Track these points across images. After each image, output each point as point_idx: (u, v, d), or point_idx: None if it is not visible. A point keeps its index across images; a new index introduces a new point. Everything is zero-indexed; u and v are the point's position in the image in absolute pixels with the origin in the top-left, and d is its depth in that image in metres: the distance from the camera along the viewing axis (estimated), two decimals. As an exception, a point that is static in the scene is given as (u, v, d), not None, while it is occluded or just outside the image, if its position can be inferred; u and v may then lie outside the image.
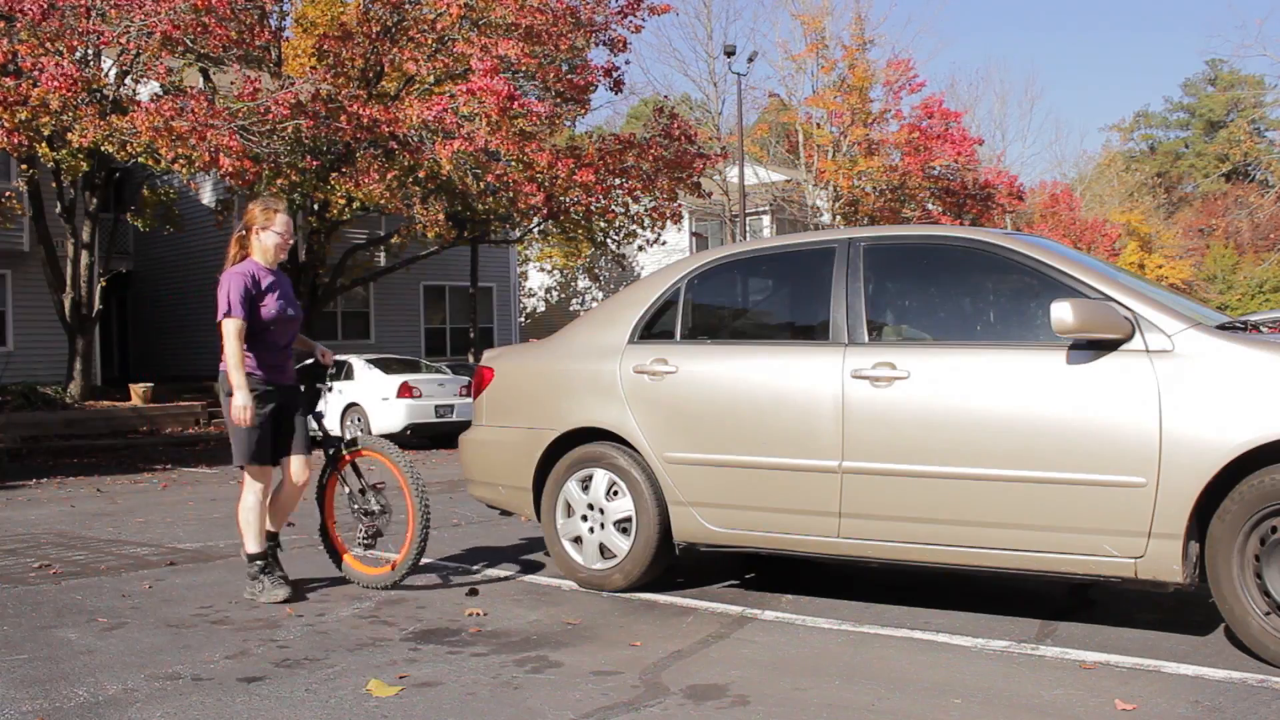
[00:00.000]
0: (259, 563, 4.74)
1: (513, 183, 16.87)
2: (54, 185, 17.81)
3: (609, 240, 22.12)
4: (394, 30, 17.45)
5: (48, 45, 13.66)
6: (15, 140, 13.35)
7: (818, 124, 29.86)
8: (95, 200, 18.38)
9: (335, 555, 5.10)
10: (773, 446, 4.27)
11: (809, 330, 4.57)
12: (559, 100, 18.44)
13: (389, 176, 16.23)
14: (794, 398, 4.25)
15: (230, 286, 4.57)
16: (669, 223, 20.03)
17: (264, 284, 4.67)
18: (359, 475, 4.98)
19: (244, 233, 4.78)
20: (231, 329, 4.52)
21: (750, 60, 26.19)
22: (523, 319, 32.17)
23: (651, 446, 4.58)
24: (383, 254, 22.82)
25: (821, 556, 4.32)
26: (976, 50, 78.90)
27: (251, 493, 4.71)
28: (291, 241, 4.92)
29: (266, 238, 4.74)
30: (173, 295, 24.38)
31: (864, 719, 3.05)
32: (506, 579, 5.14)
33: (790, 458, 4.22)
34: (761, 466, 4.31)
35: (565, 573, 4.92)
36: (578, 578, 4.84)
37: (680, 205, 21.70)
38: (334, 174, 16.66)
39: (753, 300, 5.16)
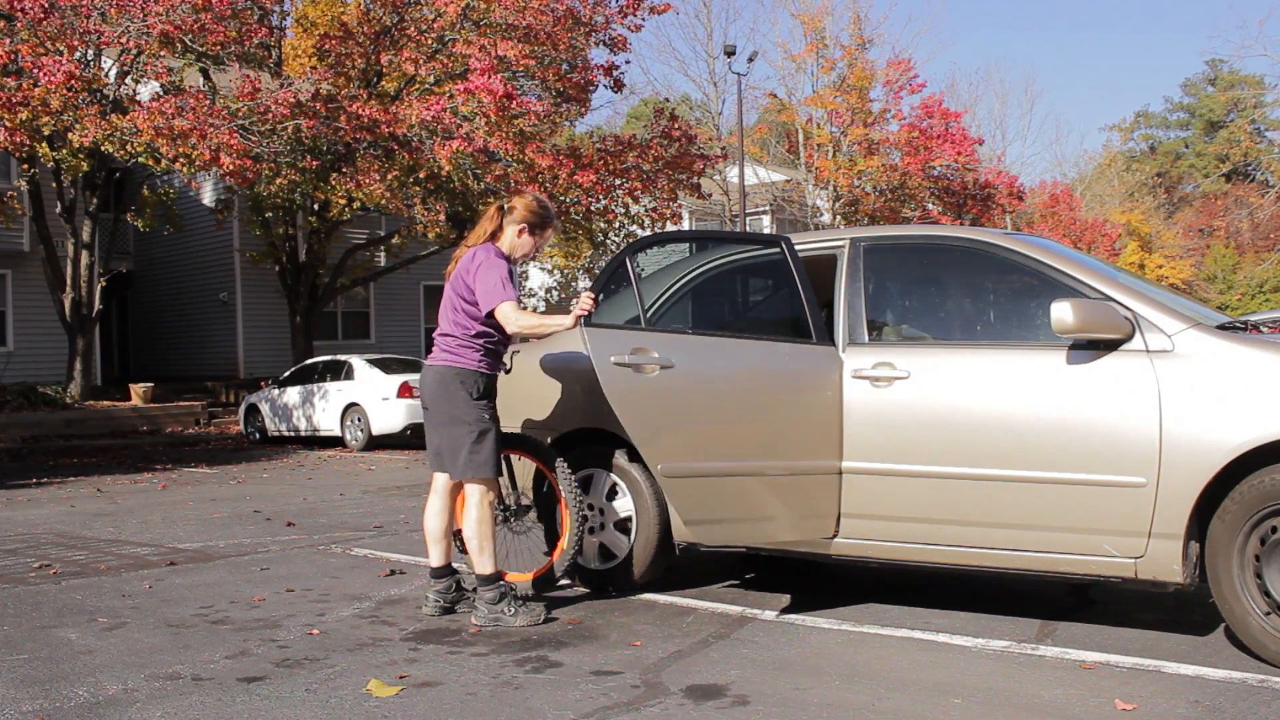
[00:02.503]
0: (501, 585, 4.25)
1: (514, 183, 16.87)
2: (54, 185, 17.83)
3: (609, 240, 22.11)
4: (394, 30, 17.46)
5: (48, 45, 13.67)
6: (16, 140, 13.36)
7: (818, 124, 29.87)
8: (95, 200, 18.39)
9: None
10: (771, 447, 4.26)
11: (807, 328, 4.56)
12: (559, 100, 18.44)
13: (389, 176, 16.23)
14: (794, 397, 4.24)
15: (499, 269, 4.20)
16: (669, 223, 20.05)
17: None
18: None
19: (503, 214, 4.38)
20: (510, 307, 4.18)
21: (750, 60, 26.20)
22: (523, 319, 32.10)
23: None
24: (383, 254, 22.82)
25: (822, 557, 4.31)
26: (976, 50, 78.96)
27: (487, 504, 4.26)
28: (534, 257, 4.57)
29: (525, 242, 4.38)
30: (173, 295, 24.39)
31: (864, 719, 3.05)
32: (506, 579, 5.13)
33: (790, 459, 4.21)
34: (761, 472, 4.29)
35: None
36: (578, 578, 4.84)
37: (680, 206, 21.72)
38: (334, 174, 16.66)
39: (752, 300, 5.16)
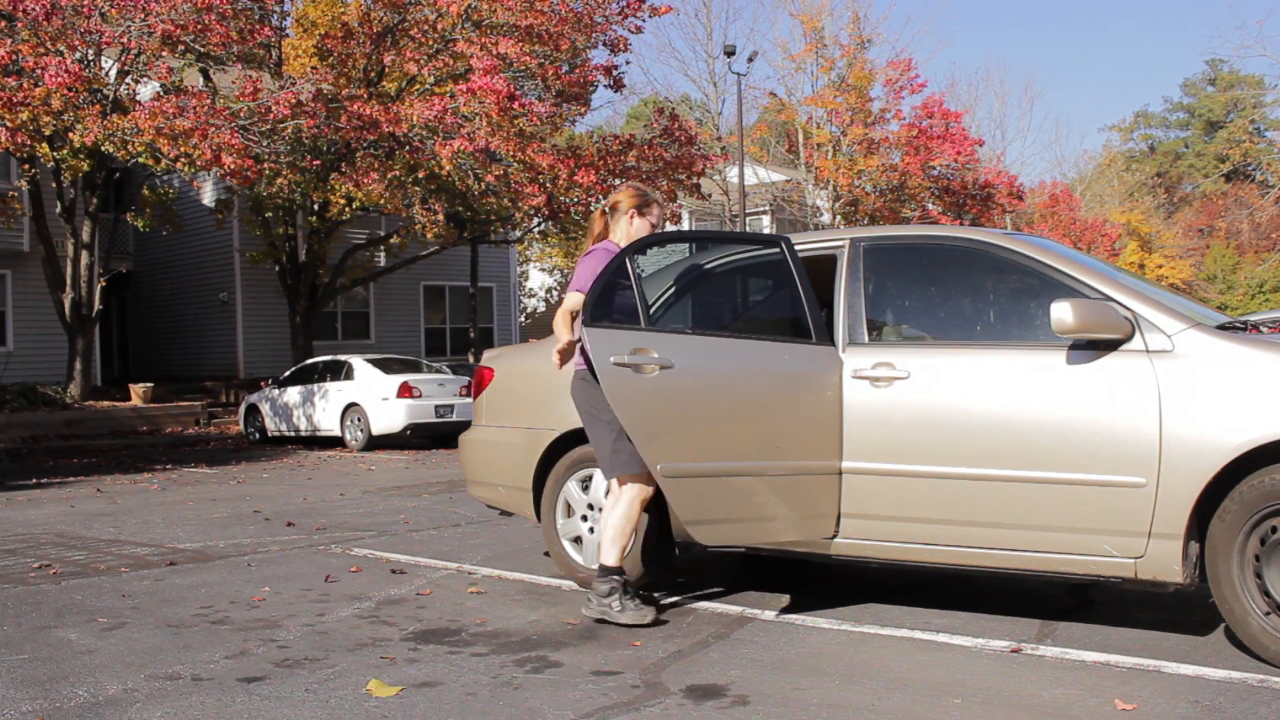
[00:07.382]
0: (616, 578, 4.19)
1: (514, 183, 16.87)
2: (54, 185, 17.82)
3: (608, 240, 22.07)
4: (395, 30, 17.46)
5: (49, 45, 13.67)
6: (18, 140, 13.36)
7: (818, 124, 29.87)
8: (95, 200, 18.39)
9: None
10: (771, 447, 4.26)
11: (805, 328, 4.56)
12: (559, 99, 18.44)
13: (389, 176, 16.23)
14: (793, 397, 4.24)
15: (592, 264, 4.27)
16: (669, 223, 20.07)
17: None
18: None
19: (608, 212, 4.51)
20: (573, 298, 4.23)
21: (750, 60, 26.22)
22: (523, 319, 32.19)
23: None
24: (383, 254, 22.83)
25: (821, 557, 4.31)
26: (976, 50, 78.96)
27: (638, 505, 4.22)
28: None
29: (639, 225, 4.45)
30: (173, 295, 24.39)
31: (864, 719, 3.05)
32: (506, 579, 5.14)
33: (790, 459, 4.21)
34: (761, 472, 4.29)
35: (565, 573, 4.92)
36: (578, 578, 4.84)
37: (680, 206, 21.73)
38: (334, 174, 16.67)
39: (752, 300, 5.16)
